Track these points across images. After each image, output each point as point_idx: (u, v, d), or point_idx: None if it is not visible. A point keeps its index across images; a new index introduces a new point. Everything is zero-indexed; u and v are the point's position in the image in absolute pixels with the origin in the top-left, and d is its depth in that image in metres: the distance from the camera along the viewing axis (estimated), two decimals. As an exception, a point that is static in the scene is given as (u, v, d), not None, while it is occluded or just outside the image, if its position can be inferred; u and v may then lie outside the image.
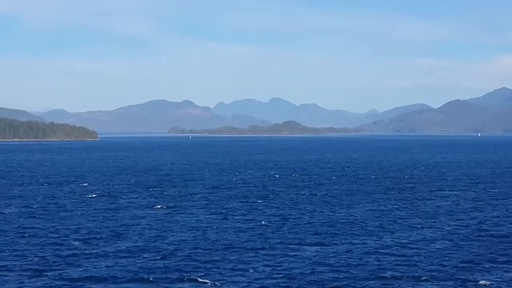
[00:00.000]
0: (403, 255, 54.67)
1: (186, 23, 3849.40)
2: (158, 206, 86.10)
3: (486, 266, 51.28)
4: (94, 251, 56.24)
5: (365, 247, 57.80)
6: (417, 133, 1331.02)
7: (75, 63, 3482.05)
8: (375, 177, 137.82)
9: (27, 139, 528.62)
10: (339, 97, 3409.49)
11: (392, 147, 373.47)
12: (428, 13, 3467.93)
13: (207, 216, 76.84)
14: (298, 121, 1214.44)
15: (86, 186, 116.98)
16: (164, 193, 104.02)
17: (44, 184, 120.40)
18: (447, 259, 53.50)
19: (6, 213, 79.31)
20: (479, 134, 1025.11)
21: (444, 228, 68.35)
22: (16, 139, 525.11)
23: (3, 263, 51.40)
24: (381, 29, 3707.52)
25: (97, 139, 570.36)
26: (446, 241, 60.98)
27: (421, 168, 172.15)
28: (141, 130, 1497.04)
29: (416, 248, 57.59)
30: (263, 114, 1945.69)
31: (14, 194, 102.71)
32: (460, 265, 51.45)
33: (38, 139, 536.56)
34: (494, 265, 51.48)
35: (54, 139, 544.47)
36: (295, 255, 54.71)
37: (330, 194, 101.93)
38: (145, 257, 53.69)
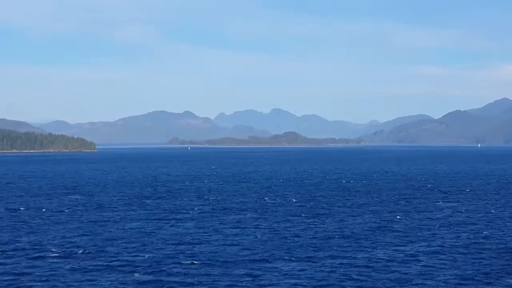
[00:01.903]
0: (395, 271, 52.46)
1: (187, 32, 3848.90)
2: (147, 219, 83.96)
3: (483, 281, 49.09)
4: (74, 265, 54.24)
5: (355, 262, 55.59)
6: (418, 143, 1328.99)
7: (75, 73, 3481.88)
8: (370, 189, 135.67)
9: (25, 150, 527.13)
10: (340, 107, 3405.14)
11: (391, 158, 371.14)
12: (429, 21, 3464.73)
13: (195, 229, 74.69)
14: (299, 132, 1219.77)
15: (75, 198, 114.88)
16: (154, 205, 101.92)
17: (33, 196, 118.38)
18: (441, 274, 51.31)
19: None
20: (479, 145, 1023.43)
21: (439, 242, 66.11)
22: (14, 150, 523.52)
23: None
24: (381, 38, 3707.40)
25: (95, 151, 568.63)
26: (441, 256, 58.74)
27: (419, 179, 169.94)
28: (142, 141, 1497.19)
29: (409, 263, 55.40)
30: (264, 125, 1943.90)
31: None
32: (454, 281, 49.29)
33: (36, 150, 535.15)
34: (491, 281, 49.32)
35: (52, 150, 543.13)
36: (280, 270, 52.50)
37: (323, 207, 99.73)
38: (125, 271, 51.68)
